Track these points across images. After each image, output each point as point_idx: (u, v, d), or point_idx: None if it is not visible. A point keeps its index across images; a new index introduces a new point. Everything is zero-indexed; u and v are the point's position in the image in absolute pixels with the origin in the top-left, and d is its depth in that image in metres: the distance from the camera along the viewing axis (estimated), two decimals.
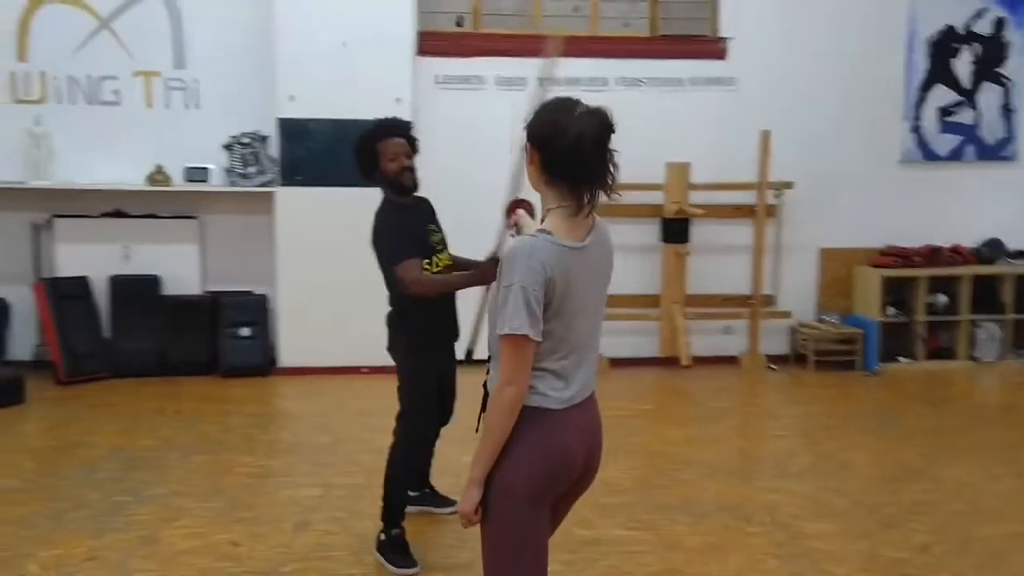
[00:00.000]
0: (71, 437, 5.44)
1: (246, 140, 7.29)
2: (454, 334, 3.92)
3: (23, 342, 7.26)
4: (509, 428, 2.15)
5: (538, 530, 2.23)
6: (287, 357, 7.17)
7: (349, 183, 6.92)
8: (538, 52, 7.27)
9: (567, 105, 2.17)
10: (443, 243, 3.88)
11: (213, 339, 7.17)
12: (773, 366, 7.69)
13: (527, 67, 7.47)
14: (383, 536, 3.81)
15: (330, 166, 7.01)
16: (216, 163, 7.30)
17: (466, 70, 7.50)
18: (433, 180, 7.20)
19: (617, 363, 7.54)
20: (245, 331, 7.15)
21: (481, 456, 2.17)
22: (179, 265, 7.35)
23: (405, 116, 7.01)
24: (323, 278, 7.04)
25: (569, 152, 2.13)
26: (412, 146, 3.89)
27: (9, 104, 7.16)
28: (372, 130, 3.85)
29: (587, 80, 7.47)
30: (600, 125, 2.14)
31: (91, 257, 7.18)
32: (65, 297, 6.99)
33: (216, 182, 7.26)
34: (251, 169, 7.28)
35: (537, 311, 2.09)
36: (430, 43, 7.45)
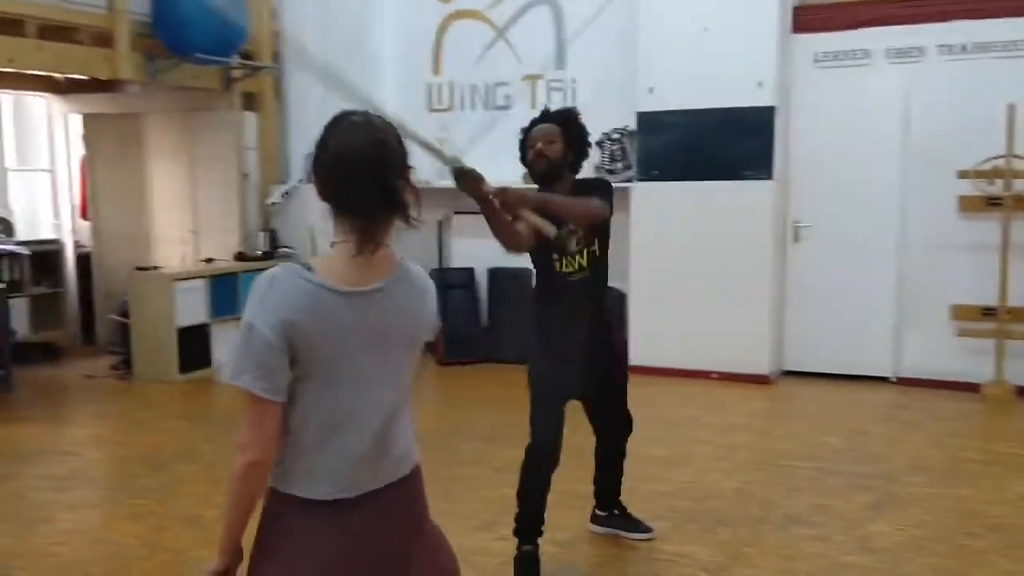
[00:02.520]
0: None
1: (615, 136, 7.27)
2: (586, 334, 3.51)
3: None
4: (245, 501, 1.74)
5: None
6: (635, 355, 6.97)
7: (705, 176, 6.64)
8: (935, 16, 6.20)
9: (343, 116, 1.78)
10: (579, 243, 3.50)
11: None
12: None
13: (923, 34, 6.36)
14: (516, 551, 3.57)
15: (686, 159, 6.70)
16: (590, 160, 7.39)
17: (850, 44, 6.57)
18: (811, 163, 6.56)
19: None
20: None
21: (223, 524, 1.79)
22: None
23: (768, 101, 6.48)
24: (675, 277, 6.75)
25: (329, 171, 1.76)
26: (569, 130, 3.57)
27: (425, 113, 8.09)
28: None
29: (1003, 44, 6.07)
30: (371, 138, 1.74)
31: (478, 250, 7.71)
32: (451, 286, 7.67)
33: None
34: (618, 164, 7.24)
35: (270, 361, 1.67)
36: (809, 17, 6.69)
